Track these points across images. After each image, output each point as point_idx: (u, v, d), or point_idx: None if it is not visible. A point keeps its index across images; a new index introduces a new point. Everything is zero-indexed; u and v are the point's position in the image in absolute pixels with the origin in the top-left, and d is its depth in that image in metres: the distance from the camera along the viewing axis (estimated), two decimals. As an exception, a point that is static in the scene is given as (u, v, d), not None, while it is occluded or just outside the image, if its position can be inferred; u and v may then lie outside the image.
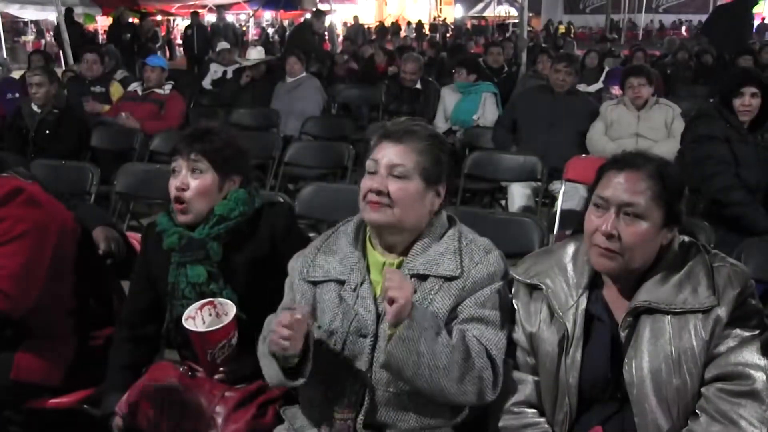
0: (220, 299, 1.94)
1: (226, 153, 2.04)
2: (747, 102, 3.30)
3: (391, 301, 1.53)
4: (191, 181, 2.01)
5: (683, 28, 29.84)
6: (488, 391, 1.64)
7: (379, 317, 1.69)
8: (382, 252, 1.78)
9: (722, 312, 1.53)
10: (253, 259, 2.03)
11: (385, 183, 1.68)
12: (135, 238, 2.63)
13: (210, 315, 1.91)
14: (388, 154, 1.70)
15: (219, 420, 1.88)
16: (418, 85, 6.32)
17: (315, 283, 1.79)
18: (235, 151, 2.08)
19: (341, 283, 1.76)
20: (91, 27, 16.92)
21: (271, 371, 1.71)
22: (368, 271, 1.76)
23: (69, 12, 12.54)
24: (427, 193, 1.72)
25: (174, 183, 2.03)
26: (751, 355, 1.52)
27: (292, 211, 2.16)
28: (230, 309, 1.89)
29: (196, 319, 1.88)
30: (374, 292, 1.72)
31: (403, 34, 22.80)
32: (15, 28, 20.72)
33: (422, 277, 1.70)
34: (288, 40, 8.27)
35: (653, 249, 1.59)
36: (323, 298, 1.77)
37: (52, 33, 17.82)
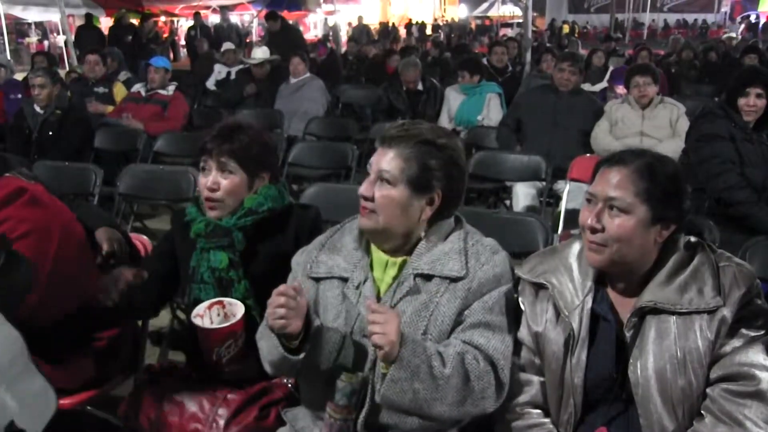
0: (229, 299, 1.94)
1: (254, 151, 2.06)
2: (752, 102, 3.28)
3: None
4: (221, 181, 2.04)
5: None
6: (490, 406, 1.63)
7: None
8: (385, 251, 1.77)
9: (728, 312, 1.52)
10: (276, 254, 2.04)
11: (372, 188, 1.70)
12: (138, 239, 2.62)
13: (218, 315, 1.91)
14: (380, 158, 1.71)
15: (221, 422, 1.88)
16: (420, 87, 6.31)
17: (318, 280, 1.79)
18: (262, 148, 2.10)
19: (344, 280, 1.75)
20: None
21: (270, 348, 1.67)
22: (371, 268, 1.76)
23: (89, 16, 12.66)
24: (413, 200, 1.70)
25: (204, 182, 2.05)
26: (756, 356, 1.51)
27: (319, 216, 2.17)
28: (239, 310, 1.89)
29: (204, 317, 1.88)
30: (377, 290, 1.72)
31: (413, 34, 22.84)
32: (19, 29, 20.76)
33: (427, 277, 1.69)
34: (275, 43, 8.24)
35: (645, 245, 1.58)
36: (326, 295, 1.76)
37: (55, 35, 17.92)
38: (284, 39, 8.56)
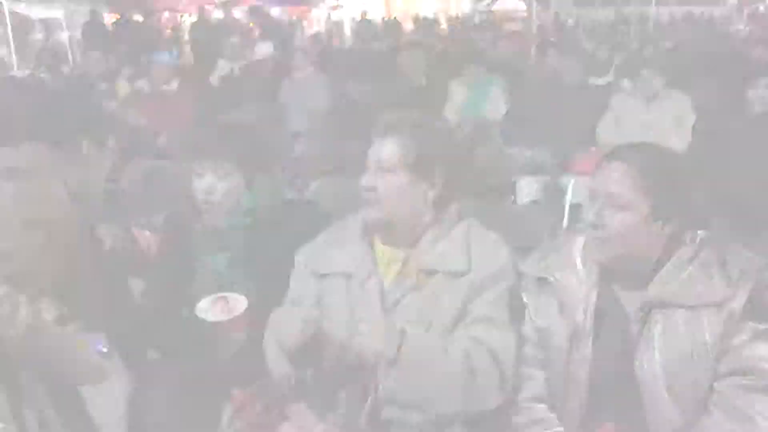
0: (232, 294, 1.93)
1: (251, 151, 2.06)
2: (761, 93, 3.27)
3: None
4: (218, 184, 2.00)
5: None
6: (493, 401, 1.63)
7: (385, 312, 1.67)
8: (389, 245, 1.76)
9: (736, 305, 1.50)
10: (277, 252, 2.02)
11: (374, 179, 1.70)
12: (140, 235, 2.62)
13: (222, 310, 1.90)
14: (377, 148, 1.72)
15: (224, 418, 1.87)
16: (424, 81, 6.29)
17: (321, 276, 1.79)
18: (260, 147, 2.10)
19: (347, 276, 1.75)
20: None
21: (278, 360, 1.68)
22: (375, 264, 1.75)
23: (94, 13, 12.70)
24: (416, 184, 1.71)
25: (200, 186, 2.00)
26: (766, 349, 1.49)
27: (321, 212, 2.18)
28: (242, 304, 1.88)
29: (208, 312, 1.87)
30: (380, 286, 1.72)
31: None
32: (24, 27, 20.77)
33: (430, 273, 1.69)
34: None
35: (647, 241, 1.57)
36: (329, 291, 1.76)
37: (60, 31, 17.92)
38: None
